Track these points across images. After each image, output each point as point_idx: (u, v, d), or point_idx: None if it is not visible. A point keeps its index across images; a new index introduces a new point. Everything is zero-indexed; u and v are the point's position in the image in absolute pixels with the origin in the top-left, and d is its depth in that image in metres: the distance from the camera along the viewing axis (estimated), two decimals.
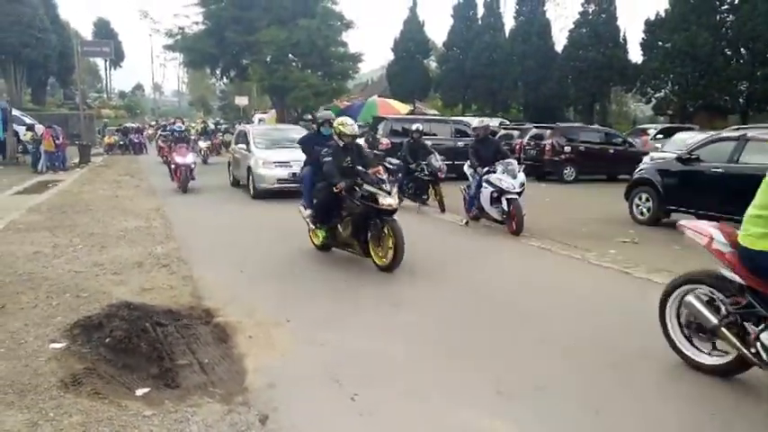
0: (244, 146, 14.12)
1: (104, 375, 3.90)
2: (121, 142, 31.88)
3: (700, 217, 9.50)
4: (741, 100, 25.63)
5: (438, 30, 67.12)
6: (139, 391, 3.73)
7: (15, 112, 24.13)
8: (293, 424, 3.32)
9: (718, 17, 25.40)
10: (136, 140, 31.30)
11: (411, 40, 36.93)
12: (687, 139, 14.96)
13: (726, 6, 25.49)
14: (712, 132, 15.38)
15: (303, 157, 8.45)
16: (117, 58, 58.79)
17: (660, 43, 26.60)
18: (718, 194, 8.68)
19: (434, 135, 15.81)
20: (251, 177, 13.17)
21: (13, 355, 4.17)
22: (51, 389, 3.65)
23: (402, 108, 25.60)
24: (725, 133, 9.73)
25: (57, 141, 19.98)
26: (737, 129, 9.64)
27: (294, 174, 11.43)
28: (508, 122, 23.82)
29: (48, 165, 19.70)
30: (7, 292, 5.68)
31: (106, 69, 64.69)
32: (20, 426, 3.23)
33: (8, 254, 7.34)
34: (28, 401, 3.50)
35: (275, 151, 13.10)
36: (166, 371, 4.07)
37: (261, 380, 3.87)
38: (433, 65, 41.00)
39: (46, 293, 5.66)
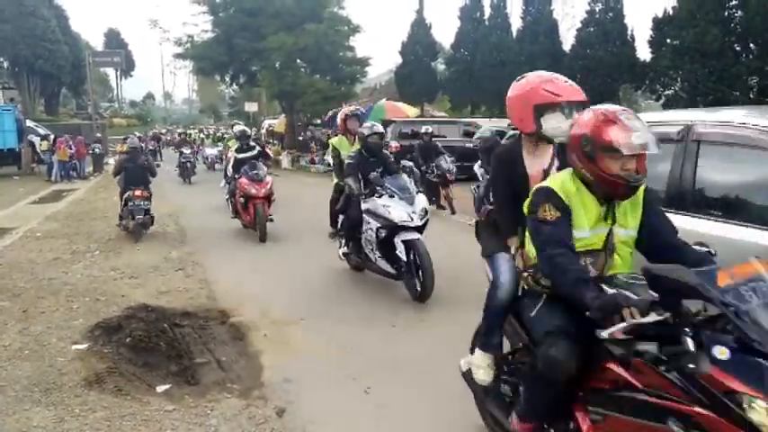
0: None
1: (126, 374, 4.04)
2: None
3: None
4: (751, 96, 25.41)
5: (445, 32, 67.24)
6: (160, 388, 3.86)
7: (29, 123, 24.49)
8: (309, 416, 3.42)
9: (726, 12, 25.21)
10: (152, 148, 31.44)
11: (418, 43, 36.89)
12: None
13: (734, 2, 25.32)
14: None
15: None
16: (127, 68, 59.34)
17: (668, 40, 26.37)
18: None
19: (444, 137, 15.87)
20: None
21: (38, 356, 4.31)
22: (75, 387, 3.79)
23: (410, 111, 25.64)
24: None
25: (70, 151, 20.29)
26: None
27: None
28: None
29: (62, 174, 19.99)
30: (29, 298, 5.84)
31: (117, 79, 65.45)
32: (47, 422, 3.36)
33: (28, 261, 7.52)
34: (54, 399, 3.63)
35: None
36: (185, 369, 4.20)
37: (277, 375, 3.98)
38: (441, 67, 40.94)
39: (66, 298, 5.82)
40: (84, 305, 5.56)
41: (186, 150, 20.29)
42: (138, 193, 8.90)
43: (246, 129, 10.75)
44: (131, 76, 65.69)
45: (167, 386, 3.89)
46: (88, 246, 8.52)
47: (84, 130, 31.18)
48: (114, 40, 61.50)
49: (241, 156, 9.57)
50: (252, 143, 10.07)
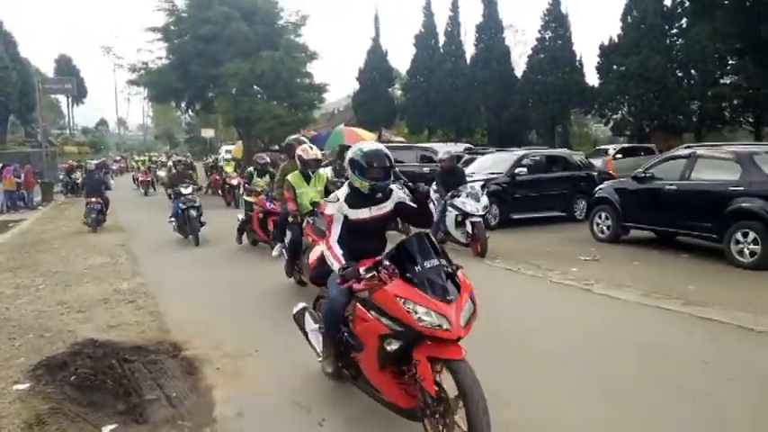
0: None
1: (70, 414, 3.88)
2: (66, 181, 26.03)
3: (657, 233, 9.86)
4: (694, 119, 26.57)
5: (401, 58, 68.32)
6: (106, 429, 3.73)
7: None
8: None
9: (668, 40, 26.44)
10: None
11: (375, 69, 37.38)
12: (488, 161, 14.03)
13: (675, 30, 26.59)
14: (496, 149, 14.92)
15: None
16: (79, 95, 58.04)
17: (615, 67, 27.46)
18: (673, 210, 9.01)
19: (401, 162, 16.01)
20: None
21: None
22: (15, 430, 3.62)
23: (368, 136, 25.80)
24: (679, 151, 10.06)
25: (18, 180, 19.67)
26: (688, 147, 10.03)
27: None
28: (473, 147, 24.24)
29: (8, 204, 19.33)
30: None
31: (68, 106, 63.86)
32: None
33: None
34: None
35: None
36: (134, 406, 4.06)
37: (229, 410, 3.89)
38: (398, 93, 41.52)
39: (8, 335, 5.59)
40: (28, 342, 5.35)
41: (186, 190, 11.42)
42: (93, 199, 13.60)
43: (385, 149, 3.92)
44: (83, 102, 64.34)
45: (113, 426, 3.75)
46: (33, 279, 8.22)
47: (34, 158, 30.26)
48: (66, 67, 60.12)
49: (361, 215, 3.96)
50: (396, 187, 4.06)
